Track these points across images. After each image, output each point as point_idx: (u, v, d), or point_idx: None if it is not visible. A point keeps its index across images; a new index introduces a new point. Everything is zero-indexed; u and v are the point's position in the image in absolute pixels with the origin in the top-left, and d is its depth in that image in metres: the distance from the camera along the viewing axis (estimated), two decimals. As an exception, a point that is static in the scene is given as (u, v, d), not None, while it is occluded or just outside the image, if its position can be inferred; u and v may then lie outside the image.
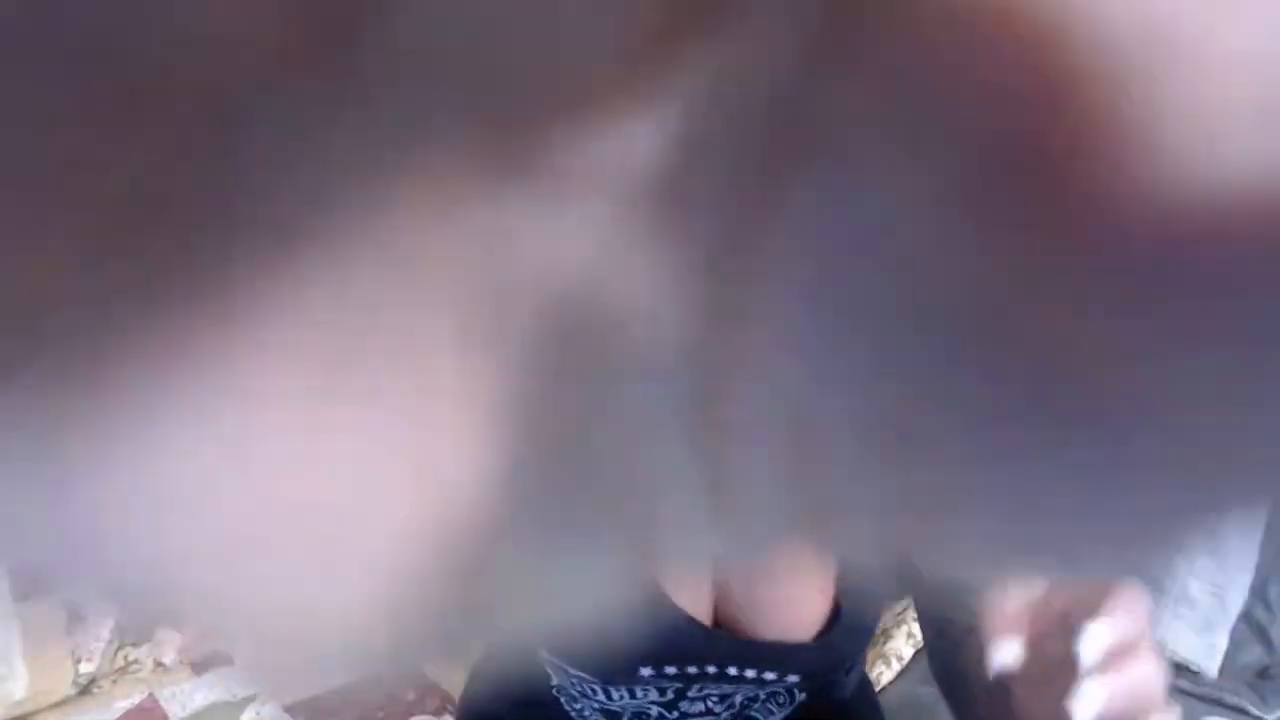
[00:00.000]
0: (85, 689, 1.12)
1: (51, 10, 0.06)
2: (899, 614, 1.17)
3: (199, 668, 1.16)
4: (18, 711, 1.07)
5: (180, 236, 0.07)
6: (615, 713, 0.69)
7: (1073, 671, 0.41)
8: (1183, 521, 0.09)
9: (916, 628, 1.11)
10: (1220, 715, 1.05)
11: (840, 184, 0.08)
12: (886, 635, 1.16)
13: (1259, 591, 1.13)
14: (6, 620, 1.17)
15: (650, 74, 0.07)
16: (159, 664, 1.17)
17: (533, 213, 0.08)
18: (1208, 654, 1.09)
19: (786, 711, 0.70)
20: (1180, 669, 1.07)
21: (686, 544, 0.10)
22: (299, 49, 0.07)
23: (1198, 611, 1.10)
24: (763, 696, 0.68)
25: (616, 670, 0.65)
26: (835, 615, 0.66)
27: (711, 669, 0.65)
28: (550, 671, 0.70)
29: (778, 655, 0.65)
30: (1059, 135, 0.07)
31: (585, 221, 0.08)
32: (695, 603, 0.64)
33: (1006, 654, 0.45)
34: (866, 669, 0.82)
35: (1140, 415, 0.08)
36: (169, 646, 1.17)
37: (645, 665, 0.64)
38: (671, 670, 0.65)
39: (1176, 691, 0.97)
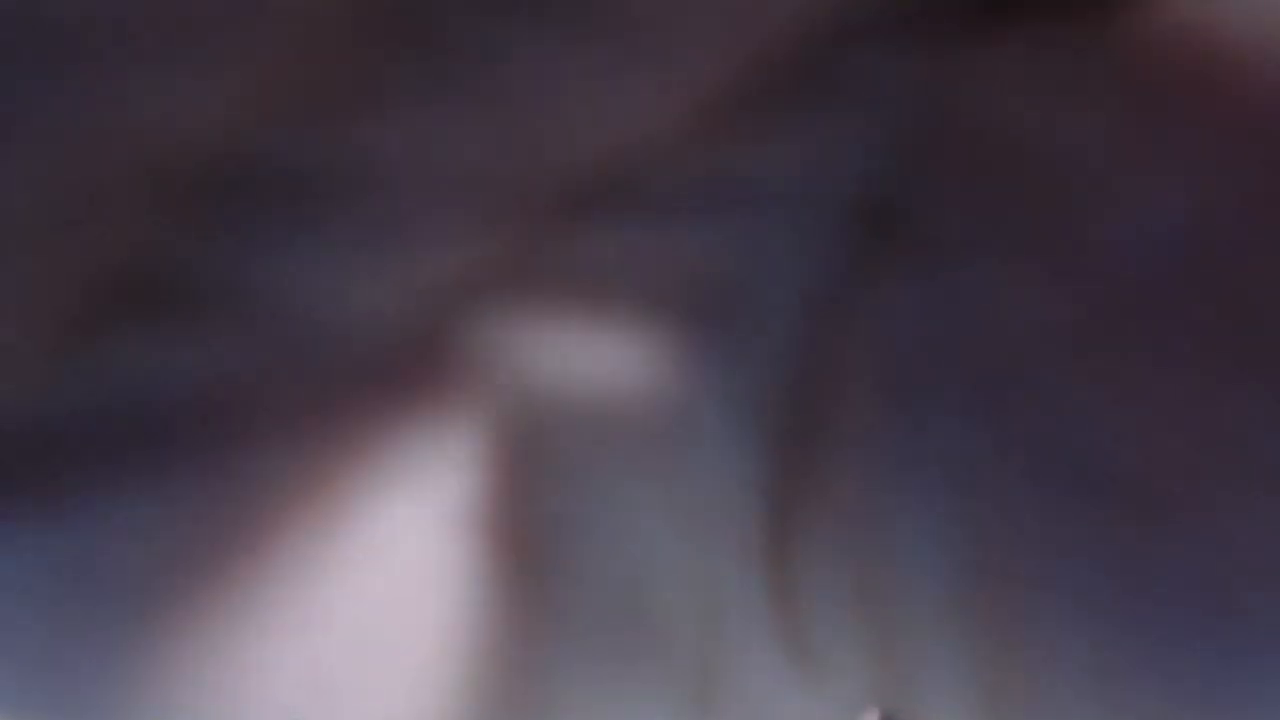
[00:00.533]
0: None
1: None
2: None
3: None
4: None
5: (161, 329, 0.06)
6: None
7: None
8: None
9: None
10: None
11: (928, 274, 0.07)
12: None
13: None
14: None
15: (714, 154, 0.07)
16: None
17: (563, 321, 0.07)
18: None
19: None
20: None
21: (760, 698, 0.08)
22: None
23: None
24: None
25: None
26: None
27: None
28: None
29: None
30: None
31: (629, 330, 0.07)
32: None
33: None
34: None
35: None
36: None
37: None
38: None
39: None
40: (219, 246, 0.06)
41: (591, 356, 0.07)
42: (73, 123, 0.06)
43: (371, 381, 0.07)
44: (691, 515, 0.07)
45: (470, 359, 0.07)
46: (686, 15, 0.06)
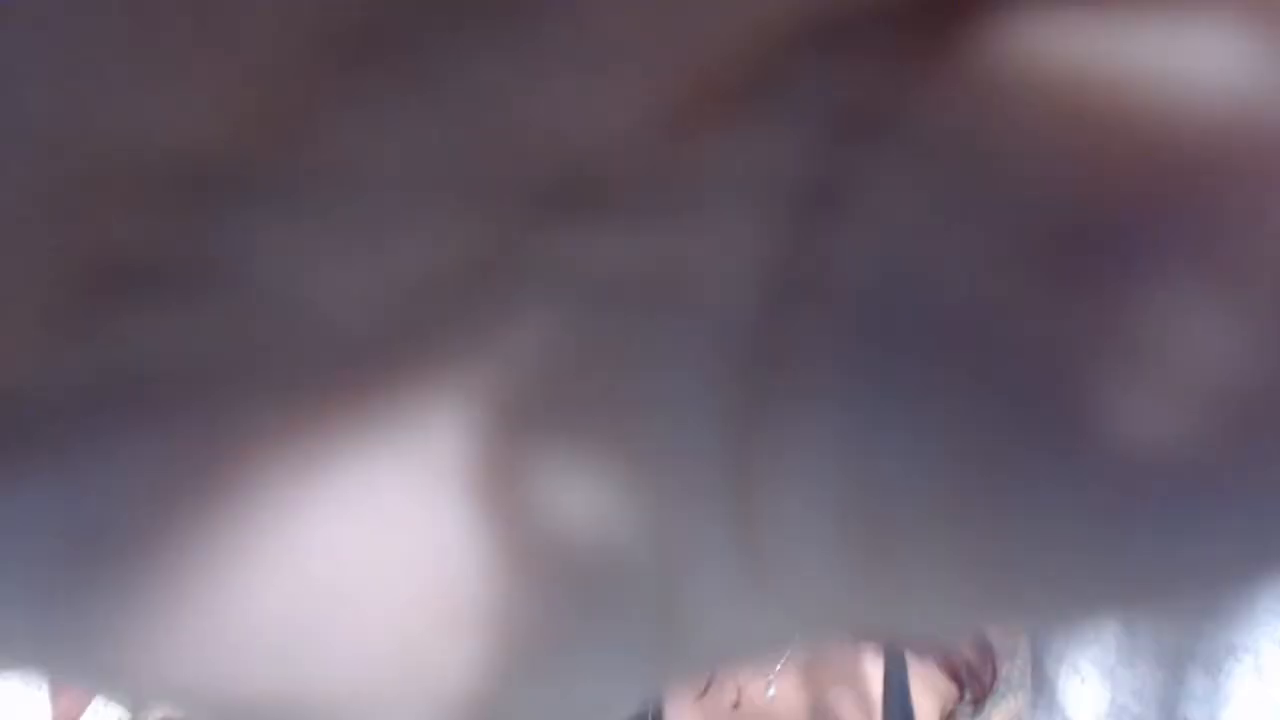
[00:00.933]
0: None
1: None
2: None
3: None
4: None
5: (157, 317, 0.07)
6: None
7: None
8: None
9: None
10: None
11: (880, 248, 0.07)
12: None
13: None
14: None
15: (666, 155, 0.07)
16: None
17: (530, 316, 0.08)
18: None
19: None
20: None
21: (727, 630, 0.09)
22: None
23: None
24: None
25: None
26: None
27: None
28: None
29: None
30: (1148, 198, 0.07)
31: (596, 318, 0.08)
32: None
33: None
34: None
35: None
36: None
37: None
38: None
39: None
40: (209, 238, 0.07)
41: (562, 340, 0.08)
42: (68, 124, 0.06)
43: (357, 361, 0.07)
44: (658, 468, 0.08)
45: (450, 345, 0.08)
46: (641, 23, 0.06)
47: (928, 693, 0.89)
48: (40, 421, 0.07)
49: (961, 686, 0.89)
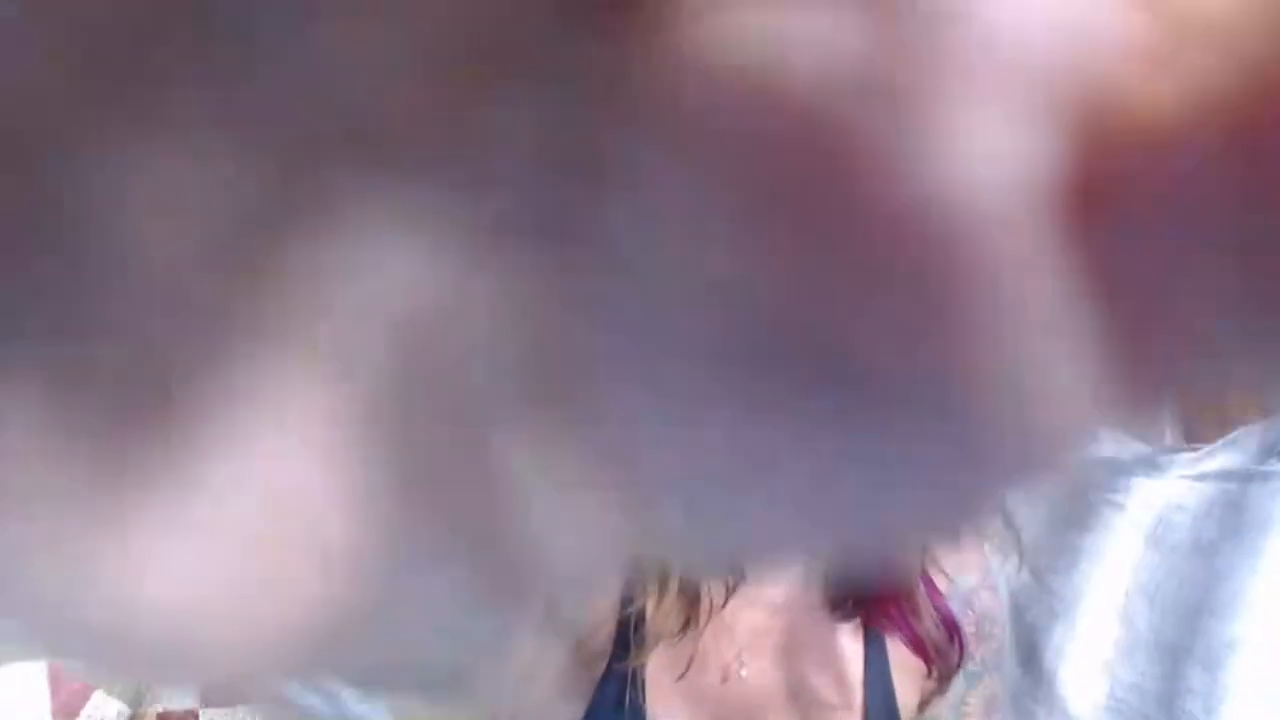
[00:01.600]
0: None
1: None
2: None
3: None
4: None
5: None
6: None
7: None
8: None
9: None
10: None
11: (640, 209, 0.08)
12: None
13: None
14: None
15: (454, 119, 0.08)
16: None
17: (356, 253, 0.09)
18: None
19: None
20: None
21: (543, 564, 0.10)
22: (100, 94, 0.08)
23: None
24: None
25: None
26: None
27: None
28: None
29: None
30: (817, 155, 0.08)
31: (414, 253, 0.09)
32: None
33: None
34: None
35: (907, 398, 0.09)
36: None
37: None
38: None
39: None
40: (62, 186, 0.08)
41: (374, 287, 0.09)
42: None
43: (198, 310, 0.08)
44: (468, 394, 0.09)
45: (285, 297, 0.09)
46: None
47: (906, 673, 0.90)
48: None
49: (930, 663, 0.90)
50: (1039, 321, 0.09)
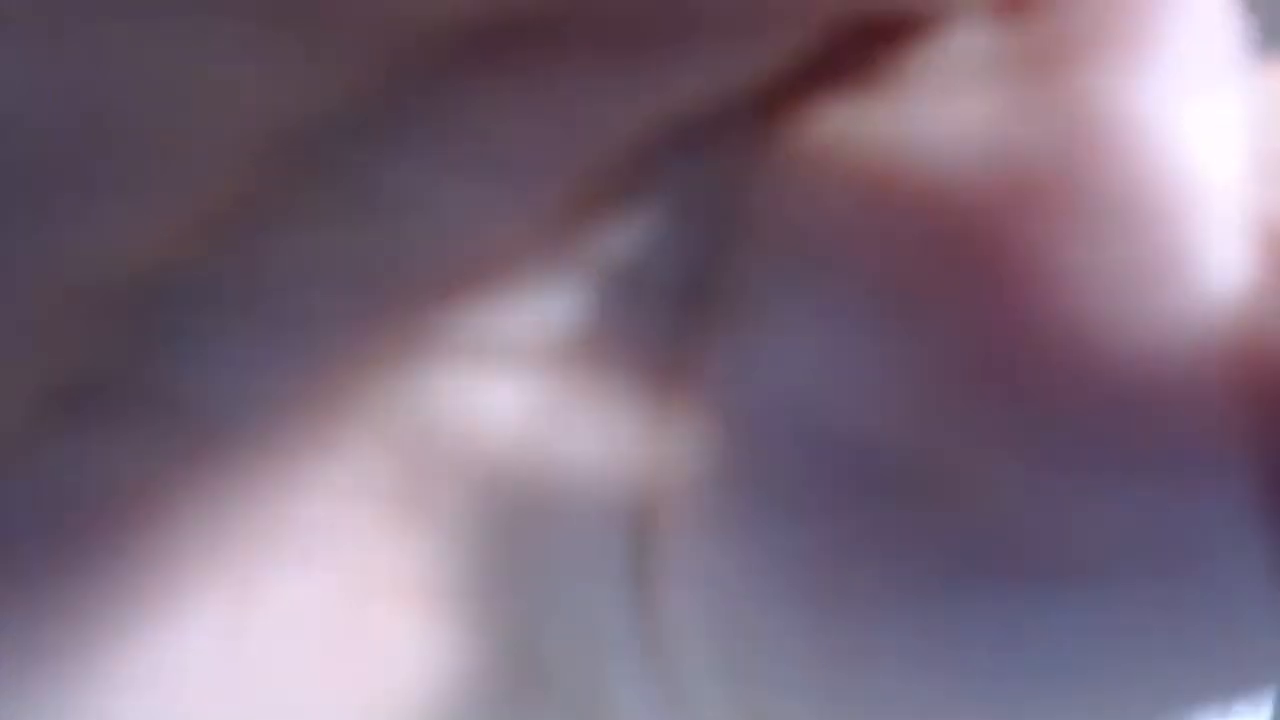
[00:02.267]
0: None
1: None
2: None
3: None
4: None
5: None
6: None
7: None
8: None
9: None
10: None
11: (757, 344, 0.07)
12: None
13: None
14: None
15: (561, 245, 0.07)
16: None
17: (451, 388, 0.08)
18: None
19: None
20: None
21: None
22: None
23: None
24: None
25: None
26: None
27: None
28: None
29: None
30: (959, 273, 0.07)
31: (510, 391, 0.08)
32: None
33: None
34: None
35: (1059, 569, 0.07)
36: None
37: None
38: None
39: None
40: (143, 354, 0.07)
41: (468, 405, 0.08)
42: (18, 250, 0.07)
43: (289, 480, 0.08)
44: (572, 559, 0.08)
45: (374, 422, 0.08)
46: (526, 132, 0.07)
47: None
48: None
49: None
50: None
